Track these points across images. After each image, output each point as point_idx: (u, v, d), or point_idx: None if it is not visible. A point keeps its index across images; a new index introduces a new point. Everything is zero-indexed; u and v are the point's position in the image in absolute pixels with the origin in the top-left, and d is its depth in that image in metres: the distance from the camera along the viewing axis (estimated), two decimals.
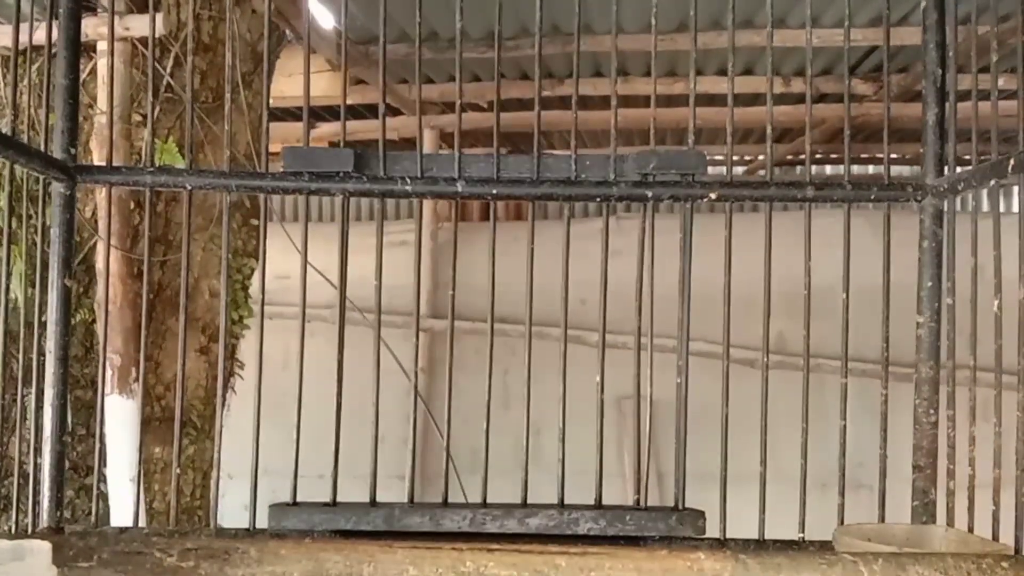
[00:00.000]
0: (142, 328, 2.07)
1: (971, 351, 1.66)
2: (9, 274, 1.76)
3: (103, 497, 2.94)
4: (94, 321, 3.22)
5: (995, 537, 1.61)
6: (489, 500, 1.73)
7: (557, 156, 1.85)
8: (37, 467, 1.77)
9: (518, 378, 1.77)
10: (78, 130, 1.86)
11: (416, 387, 1.91)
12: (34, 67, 2.08)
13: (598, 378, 1.83)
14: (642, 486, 1.78)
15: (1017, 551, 1.48)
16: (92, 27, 2.93)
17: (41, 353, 1.82)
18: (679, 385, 1.78)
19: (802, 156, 3.95)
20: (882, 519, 1.84)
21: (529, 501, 1.75)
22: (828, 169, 7.85)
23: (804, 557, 1.45)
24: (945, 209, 1.85)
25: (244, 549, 1.47)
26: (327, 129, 6.03)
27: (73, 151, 1.81)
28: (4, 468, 2.97)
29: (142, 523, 1.99)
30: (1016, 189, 7.16)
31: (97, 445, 2.06)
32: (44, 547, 1.44)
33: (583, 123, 5.36)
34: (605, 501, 1.74)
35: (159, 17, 2.93)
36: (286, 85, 4.53)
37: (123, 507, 2.93)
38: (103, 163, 2.29)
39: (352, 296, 1.88)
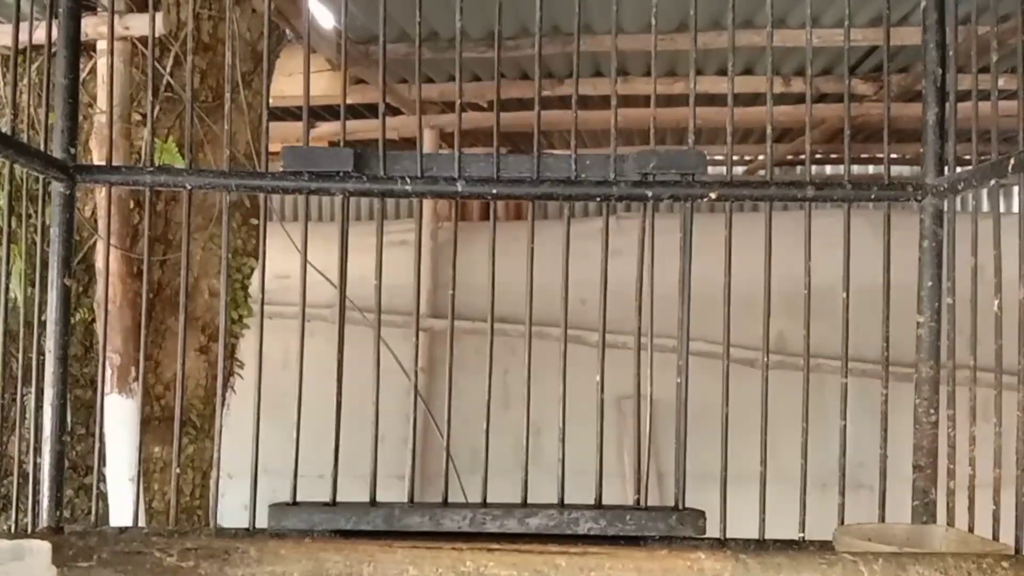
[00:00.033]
0: (142, 327, 2.06)
1: (971, 351, 1.66)
2: (9, 273, 1.75)
3: (102, 497, 2.94)
4: (94, 320, 3.22)
5: (995, 537, 1.61)
6: (489, 500, 1.73)
7: (557, 156, 1.85)
8: (37, 466, 1.77)
9: (518, 378, 1.77)
10: (78, 129, 1.85)
11: (416, 387, 1.90)
12: (34, 66, 2.08)
13: (598, 378, 1.83)
14: (642, 486, 1.78)
15: (1017, 551, 1.48)
16: (92, 26, 2.93)
17: (41, 352, 1.82)
18: (679, 385, 1.78)
19: (802, 156, 3.96)
20: (882, 519, 1.84)
21: (529, 501, 1.75)
22: (828, 169, 7.85)
23: (804, 557, 1.45)
24: (945, 209, 1.85)
25: (244, 549, 1.47)
26: (327, 129, 6.03)
27: (73, 150, 1.81)
28: (4, 467, 2.97)
29: (141, 523, 1.99)
30: (1016, 189, 7.16)
31: (97, 445, 2.06)
32: (44, 547, 1.44)
33: (583, 123, 5.36)
34: (605, 501, 1.74)
35: (159, 16, 2.93)
36: (286, 85, 4.53)
37: (122, 507, 2.93)
38: (103, 162, 2.29)
39: (352, 296, 1.88)
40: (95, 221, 3.16)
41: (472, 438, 1.78)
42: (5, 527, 3.05)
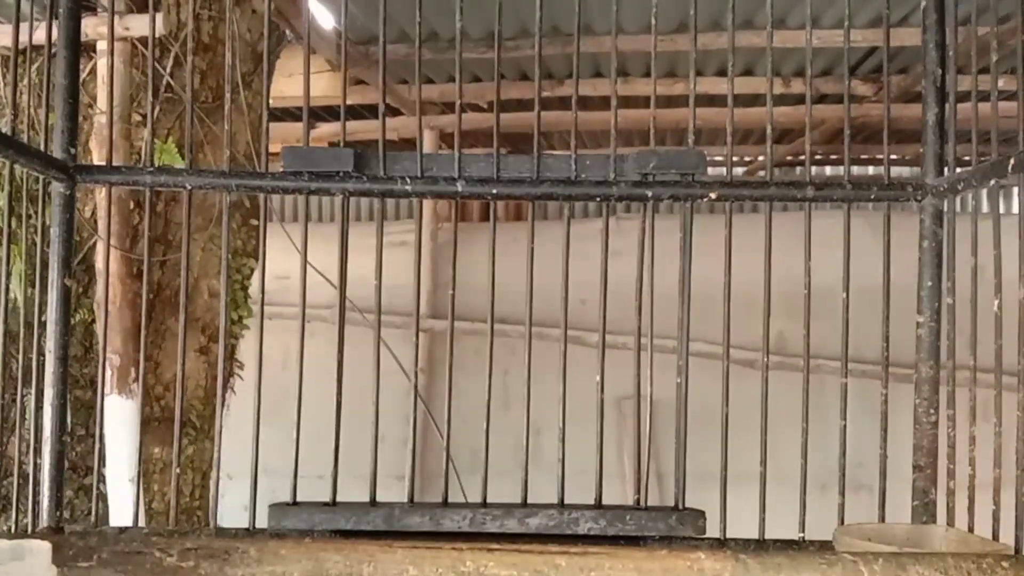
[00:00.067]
0: (141, 328, 2.06)
1: (971, 351, 1.66)
2: (9, 274, 1.75)
3: (102, 498, 2.93)
4: (93, 321, 3.22)
5: (995, 537, 1.61)
6: (489, 500, 1.73)
7: (557, 156, 1.85)
8: (37, 467, 1.77)
9: (518, 378, 1.77)
10: (78, 130, 1.86)
11: (416, 387, 1.90)
12: (34, 67, 2.08)
13: (598, 378, 1.83)
14: (642, 486, 1.78)
15: (1017, 551, 1.48)
16: (92, 27, 2.93)
17: (41, 353, 1.82)
18: (679, 385, 1.77)
19: (802, 157, 3.96)
20: (882, 519, 1.84)
21: (529, 501, 1.75)
22: (828, 170, 7.85)
23: (804, 557, 1.45)
24: (945, 209, 1.85)
25: (244, 549, 1.47)
26: (327, 129, 6.04)
27: (73, 151, 1.81)
28: (4, 468, 2.97)
29: (141, 524, 1.99)
30: (1016, 191, 7.16)
31: (96, 445, 2.06)
32: (44, 547, 1.44)
33: (583, 124, 5.36)
34: (605, 501, 1.74)
35: (159, 17, 2.93)
36: (286, 85, 4.53)
37: (122, 507, 2.93)
38: (103, 163, 2.29)
39: (352, 296, 1.88)
40: (95, 222, 3.16)
41: (472, 438, 1.78)
42: (5, 527, 3.05)
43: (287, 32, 3.82)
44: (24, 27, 1.80)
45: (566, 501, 1.74)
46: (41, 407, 1.78)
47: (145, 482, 3.10)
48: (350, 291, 1.84)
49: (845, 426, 1.85)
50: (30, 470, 1.76)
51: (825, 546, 1.72)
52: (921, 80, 1.91)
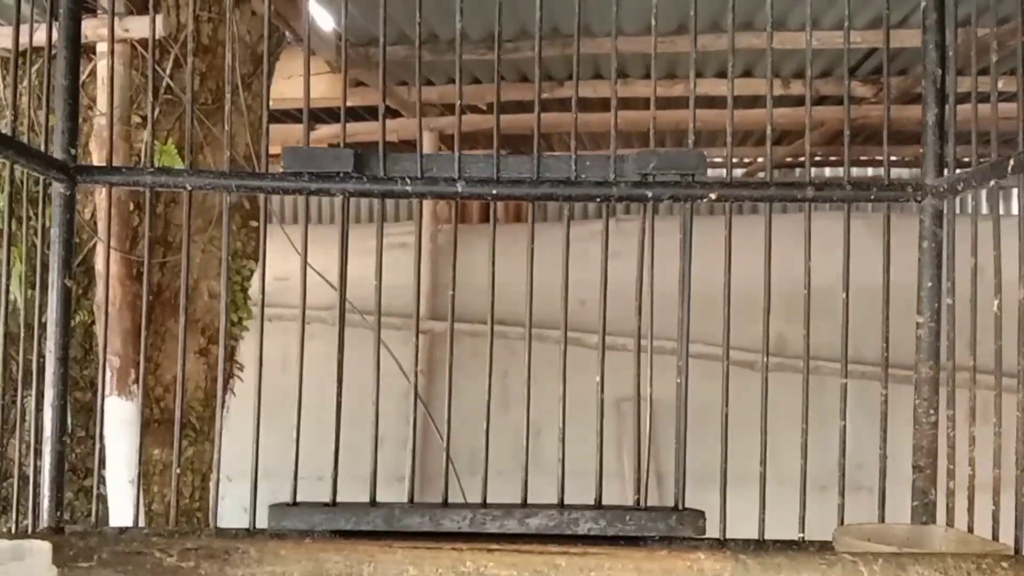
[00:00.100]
0: (141, 330, 2.06)
1: (971, 352, 1.66)
2: (9, 275, 1.76)
3: (102, 499, 2.93)
4: (93, 323, 3.22)
5: (995, 537, 1.61)
6: (489, 500, 1.73)
7: (557, 156, 1.85)
8: (37, 468, 1.77)
9: (518, 379, 1.77)
10: (78, 131, 1.86)
11: (416, 388, 1.91)
12: (34, 68, 2.08)
13: (598, 379, 1.83)
14: (642, 487, 1.78)
15: (1017, 551, 1.48)
16: (92, 28, 2.93)
17: (41, 355, 1.82)
18: (679, 386, 1.78)
19: (801, 158, 3.96)
20: (882, 519, 1.84)
21: (529, 501, 1.75)
22: (827, 172, 7.86)
23: (804, 557, 1.45)
24: (945, 210, 1.85)
25: (244, 549, 1.47)
26: (326, 131, 6.04)
27: (73, 152, 1.81)
28: (4, 469, 2.97)
29: (141, 525, 1.99)
30: (1015, 191, 7.16)
31: (96, 447, 2.06)
32: (44, 547, 1.44)
33: (583, 125, 5.36)
34: (605, 502, 1.74)
35: (159, 19, 2.93)
36: (286, 87, 4.53)
37: (122, 509, 2.93)
38: (103, 164, 2.29)
39: (352, 298, 1.88)
40: (95, 223, 3.16)
41: (472, 439, 1.78)
42: (5, 528, 3.05)
43: (287, 34, 3.83)
44: (24, 29, 1.80)
45: (566, 501, 1.74)
46: (41, 408, 1.78)
47: (145, 483, 3.10)
48: (350, 292, 1.84)
49: (845, 427, 1.85)
50: (30, 471, 1.76)
51: (825, 546, 1.72)
52: (921, 81, 1.91)
